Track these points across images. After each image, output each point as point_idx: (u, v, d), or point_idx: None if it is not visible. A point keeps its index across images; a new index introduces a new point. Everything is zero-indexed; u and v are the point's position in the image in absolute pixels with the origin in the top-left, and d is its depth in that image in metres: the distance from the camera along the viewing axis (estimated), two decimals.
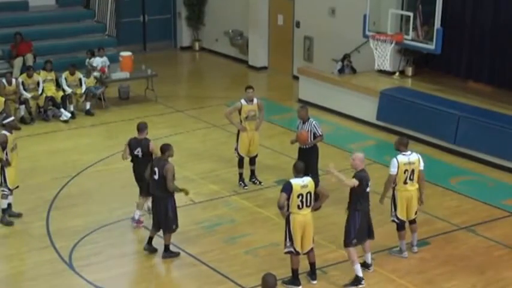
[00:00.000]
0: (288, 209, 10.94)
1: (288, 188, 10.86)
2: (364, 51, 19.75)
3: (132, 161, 12.99)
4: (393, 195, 12.05)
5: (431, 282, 11.56)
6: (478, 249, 12.66)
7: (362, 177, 11.36)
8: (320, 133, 13.88)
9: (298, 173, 11.03)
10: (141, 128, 12.86)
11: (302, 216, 10.96)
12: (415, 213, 12.20)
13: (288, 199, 10.86)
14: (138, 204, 13.16)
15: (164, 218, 11.95)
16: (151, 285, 11.76)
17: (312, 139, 13.80)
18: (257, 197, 14.57)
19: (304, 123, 13.91)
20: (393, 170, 11.90)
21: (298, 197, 10.86)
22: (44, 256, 12.26)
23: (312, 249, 11.23)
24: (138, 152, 12.75)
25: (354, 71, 19.89)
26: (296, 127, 14.19)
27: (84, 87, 19.35)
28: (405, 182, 11.93)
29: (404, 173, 11.88)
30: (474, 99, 17.69)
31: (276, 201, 10.95)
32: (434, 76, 19.42)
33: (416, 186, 12.06)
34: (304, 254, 11.20)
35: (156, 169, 11.88)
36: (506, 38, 17.91)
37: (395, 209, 12.06)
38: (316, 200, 11.19)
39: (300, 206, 10.91)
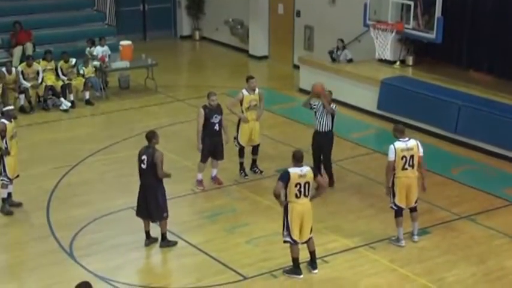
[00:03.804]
0: (285, 198, 10.94)
1: (285, 177, 10.84)
2: (365, 41, 19.71)
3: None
4: (392, 181, 12.03)
5: (431, 272, 11.55)
6: (478, 238, 12.66)
7: None
8: (334, 109, 14.02)
9: (298, 162, 10.99)
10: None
11: (300, 206, 10.95)
12: (416, 202, 12.20)
13: (286, 188, 10.84)
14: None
15: (155, 206, 11.92)
16: (152, 275, 11.76)
17: (330, 126, 14.03)
18: (258, 187, 14.55)
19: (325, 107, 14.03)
20: (391, 156, 11.89)
21: (296, 186, 10.84)
22: (44, 246, 12.25)
23: (310, 238, 11.22)
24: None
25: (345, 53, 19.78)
26: (316, 107, 14.18)
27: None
28: (404, 169, 11.91)
29: (402, 159, 11.87)
30: (475, 89, 17.65)
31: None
32: (435, 65, 19.38)
33: (417, 173, 12.06)
34: (303, 243, 11.19)
35: (144, 157, 11.82)
36: (507, 27, 17.85)
37: (393, 196, 12.05)
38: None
39: (298, 195, 10.89)
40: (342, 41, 19.89)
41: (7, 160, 13.17)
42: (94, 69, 19.82)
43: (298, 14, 22.76)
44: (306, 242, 11.22)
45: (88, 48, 20.54)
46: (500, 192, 14.32)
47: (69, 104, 18.98)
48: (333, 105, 14.08)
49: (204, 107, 13.99)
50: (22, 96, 18.65)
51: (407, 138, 12.06)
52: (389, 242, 12.32)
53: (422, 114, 17.17)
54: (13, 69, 18.90)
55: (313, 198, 11.20)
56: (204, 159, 14.16)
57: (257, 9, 23.84)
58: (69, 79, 19.17)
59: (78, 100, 19.37)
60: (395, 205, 12.08)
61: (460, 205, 13.80)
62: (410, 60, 19.71)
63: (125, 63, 20.50)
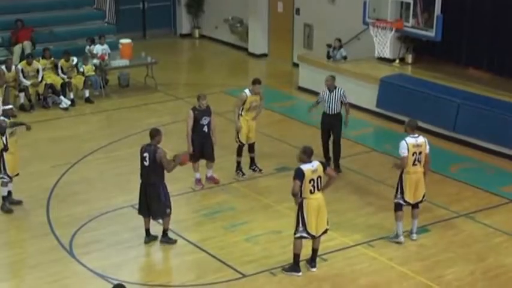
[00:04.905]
0: (300, 195, 10.97)
1: (300, 175, 10.87)
2: (364, 39, 19.72)
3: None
4: (400, 177, 12.05)
5: (430, 270, 11.58)
6: (477, 236, 12.68)
7: None
8: (347, 101, 14.72)
9: (308, 157, 11.01)
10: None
11: (315, 200, 10.99)
12: (423, 196, 12.22)
13: (301, 186, 10.88)
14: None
15: (157, 203, 11.95)
16: (152, 273, 11.78)
17: (339, 108, 14.73)
18: (257, 185, 14.58)
19: (331, 91, 14.60)
20: (404, 152, 11.90)
21: (310, 182, 10.89)
22: (44, 243, 12.28)
23: (325, 231, 11.24)
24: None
25: (341, 51, 19.79)
26: (322, 97, 14.79)
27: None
28: (414, 165, 11.96)
29: (413, 155, 11.91)
30: (474, 87, 17.65)
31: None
32: (434, 63, 19.39)
33: (423, 169, 12.10)
34: (318, 236, 11.19)
35: (146, 155, 11.85)
36: (506, 25, 17.87)
37: (401, 192, 12.05)
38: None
39: (312, 191, 10.94)
40: (339, 40, 19.90)
41: (7, 158, 13.20)
42: (94, 67, 19.83)
43: (298, 12, 22.77)
44: (320, 235, 11.21)
45: (88, 47, 20.55)
46: (499, 190, 14.34)
47: (69, 102, 19.00)
48: (341, 90, 14.67)
49: (194, 109, 14.02)
50: (22, 94, 18.67)
51: (417, 135, 12.10)
52: (388, 240, 12.34)
53: (421, 112, 17.16)
54: (12, 66, 18.91)
55: (324, 189, 11.23)
56: (194, 160, 14.15)
57: (256, 8, 23.84)
58: (69, 77, 19.19)
59: (78, 98, 19.38)
60: (404, 201, 12.08)
61: (458, 203, 13.82)
62: (409, 58, 19.70)
63: (125, 62, 20.51)
